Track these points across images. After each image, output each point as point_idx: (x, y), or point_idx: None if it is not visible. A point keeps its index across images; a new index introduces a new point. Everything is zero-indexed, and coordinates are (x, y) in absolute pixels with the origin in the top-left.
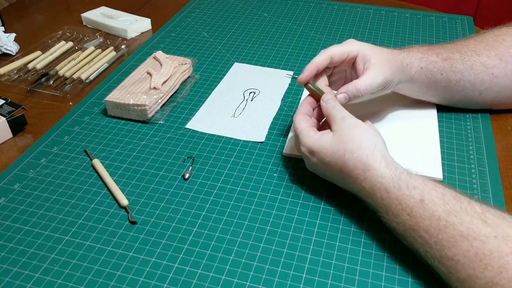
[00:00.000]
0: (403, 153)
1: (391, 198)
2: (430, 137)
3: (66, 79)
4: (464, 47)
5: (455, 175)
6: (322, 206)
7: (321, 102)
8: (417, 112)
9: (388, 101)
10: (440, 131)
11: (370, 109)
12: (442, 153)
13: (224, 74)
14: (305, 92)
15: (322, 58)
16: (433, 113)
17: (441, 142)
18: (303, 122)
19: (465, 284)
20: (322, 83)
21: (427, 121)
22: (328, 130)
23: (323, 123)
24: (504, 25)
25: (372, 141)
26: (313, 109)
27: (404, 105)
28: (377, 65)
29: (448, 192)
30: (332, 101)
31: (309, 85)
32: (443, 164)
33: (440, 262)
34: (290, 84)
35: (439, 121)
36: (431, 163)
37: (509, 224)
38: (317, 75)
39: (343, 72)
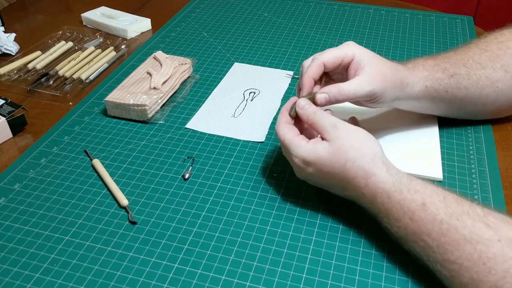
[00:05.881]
0: (404, 153)
1: (392, 202)
2: (430, 137)
3: (66, 79)
4: (469, 59)
5: (455, 175)
6: (322, 206)
7: (297, 108)
8: (417, 113)
9: None
10: (440, 131)
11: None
12: (442, 153)
13: (224, 74)
14: None
15: (315, 69)
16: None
17: (441, 142)
18: (289, 132)
19: None
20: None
21: (427, 121)
22: (320, 139)
23: (305, 130)
24: (506, 27)
25: (372, 147)
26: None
27: None
28: (369, 74)
29: (449, 195)
30: (308, 107)
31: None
32: (443, 164)
33: (443, 266)
34: (290, 84)
35: (439, 121)
36: (431, 163)
37: (511, 227)
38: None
39: (340, 75)
